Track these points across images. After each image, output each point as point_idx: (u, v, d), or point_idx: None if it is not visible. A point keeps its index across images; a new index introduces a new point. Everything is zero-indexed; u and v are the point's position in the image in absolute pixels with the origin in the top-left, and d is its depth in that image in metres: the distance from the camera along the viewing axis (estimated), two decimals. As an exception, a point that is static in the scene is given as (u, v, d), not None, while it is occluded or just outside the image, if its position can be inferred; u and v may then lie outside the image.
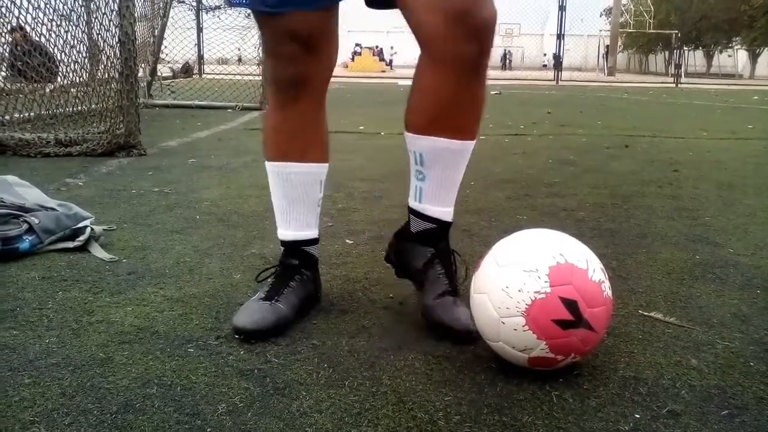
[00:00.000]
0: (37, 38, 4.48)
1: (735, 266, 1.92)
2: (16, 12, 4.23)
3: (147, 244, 2.03)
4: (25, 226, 1.90)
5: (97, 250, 1.93)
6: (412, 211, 1.51)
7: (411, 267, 1.54)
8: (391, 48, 40.90)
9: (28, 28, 4.43)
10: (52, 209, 2.04)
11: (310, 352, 1.32)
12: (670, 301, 1.64)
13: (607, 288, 1.22)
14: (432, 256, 1.49)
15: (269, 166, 1.54)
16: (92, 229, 2.01)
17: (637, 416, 1.10)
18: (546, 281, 1.16)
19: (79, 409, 1.08)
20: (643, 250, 2.08)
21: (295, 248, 1.55)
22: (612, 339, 1.40)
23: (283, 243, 1.56)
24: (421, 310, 1.47)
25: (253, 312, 1.42)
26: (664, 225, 2.43)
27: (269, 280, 1.53)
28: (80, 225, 2.01)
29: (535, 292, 1.16)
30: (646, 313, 1.55)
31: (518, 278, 1.18)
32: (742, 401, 1.15)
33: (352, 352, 1.32)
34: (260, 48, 7.52)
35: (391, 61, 38.89)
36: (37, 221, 1.93)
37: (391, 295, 1.65)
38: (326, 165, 1.56)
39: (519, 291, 1.17)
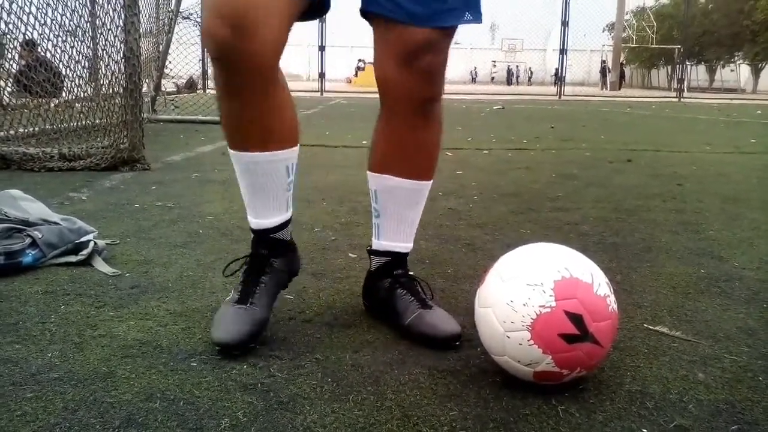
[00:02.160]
0: (42, 54, 4.51)
1: (740, 280, 1.91)
2: (23, 28, 4.26)
3: (150, 258, 2.03)
4: (28, 240, 1.90)
5: (100, 264, 1.92)
6: (371, 251, 1.60)
7: (378, 304, 1.58)
8: None
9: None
10: (56, 223, 2.04)
11: (314, 366, 1.31)
12: (676, 315, 1.63)
13: (612, 302, 1.21)
14: (390, 284, 1.55)
15: (231, 154, 1.44)
16: (95, 243, 2.01)
17: (645, 431, 1.09)
18: (551, 295, 1.15)
19: (82, 423, 1.07)
20: (648, 264, 2.07)
21: (263, 237, 1.49)
22: (618, 353, 1.39)
23: (252, 231, 1.50)
24: (404, 333, 1.47)
25: (229, 323, 1.38)
26: (669, 239, 2.42)
27: (239, 273, 1.49)
28: (83, 239, 2.01)
29: (540, 307, 1.15)
30: (651, 327, 1.54)
31: (523, 292, 1.17)
32: (751, 416, 1.14)
33: (356, 366, 1.31)
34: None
35: None
36: (40, 235, 1.93)
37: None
38: (294, 149, 1.44)
39: (524, 305, 1.16)
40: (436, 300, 1.60)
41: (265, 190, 1.45)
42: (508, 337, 1.18)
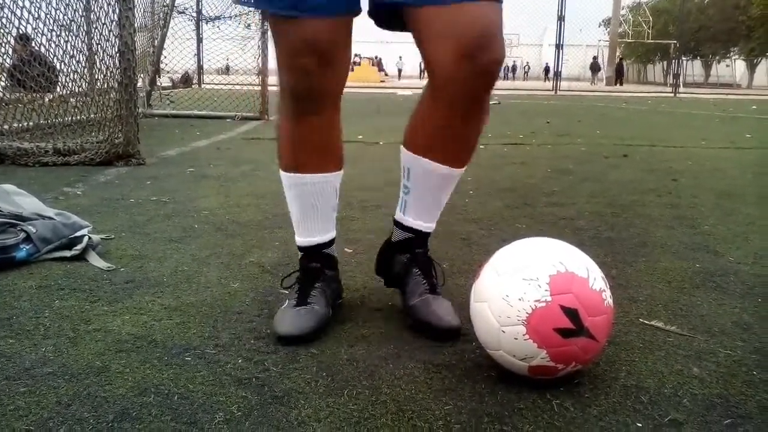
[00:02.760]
0: (36, 48, 4.48)
1: (735, 275, 1.91)
2: (17, 22, 4.24)
3: (145, 253, 2.02)
4: (22, 235, 1.90)
5: (95, 259, 1.92)
6: (395, 222, 1.60)
7: (392, 274, 1.61)
8: (400, 58, 40.65)
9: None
10: (50, 218, 2.03)
11: (309, 360, 1.31)
12: (671, 309, 1.63)
13: (608, 297, 1.21)
14: (408, 260, 1.56)
15: (285, 176, 1.52)
16: (90, 238, 2.00)
17: (639, 425, 1.09)
18: (546, 290, 1.15)
19: (75, 417, 1.07)
20: (643, 259, 2.07)
21: (314, 252, 1.54)
22: (613, 347, 1.39)
23: (302, 249, 1.56)
24: (406, 312, 1.52)
25: (293, 319, 1.42)
26: (664, 234, 2.42)
27: (294, 286, 1.53)
28: (78, 234, 2.00)
29: (536, 301, 1.15)
30: (647, 322, 1.54)
31: (518, 287, 1.17)
32: (745, 410, 1.14)
33: (351, 360, 1.31)
34: (259, 59, 7.54)
35: (400, 71, 38.69)
36: (34, 230, 1.92)
37: (389, 303, 1.64)
38: (341, 173, 1.55)
39: (519, 300, 1.16)
40: (445, 294, 1.60)
41: (319, 210, 1.53)
42: (504, 331, 1.17)
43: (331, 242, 1.57)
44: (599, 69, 39.26)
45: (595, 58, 40.53)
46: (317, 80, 1.37)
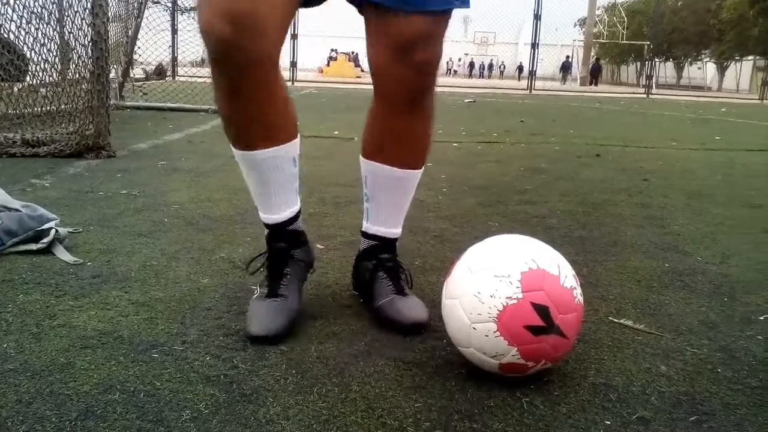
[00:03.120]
0: (5, 35, 4.38)
1: (703, 274, 1.94)
2: (-16, 9, 4.14)
3: (113, 247, 1.99)
4: (-14, 227, 1.85)
5: (62, 253, 1.88)
6: (362, 233, 1.62)
7: (361, 285, 1.61)
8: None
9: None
10: (16, 210, 1.99)
11: (278, 357, 1.29)
12: (640, 308, 1.65)
13: (578, 294, 1.22)
14: (374, 266, 1.56)
15: (236, 153, 1.45)
16: (57, 231, 1.96)
17: (608, 422, 1.10)
18: (518, 287, 1.15)
19: (36, 416, 1.04)
20: (614, 258, 2.09)
21: (279, 231, 1.50)
22: (582, 345, 1.40)
23: (267, 226, 1.51)
24: (374, 314, 1.51)
25: (263, 317, 1.40)
26: (634, 233, 2.44)
27: (261, 270, 1.51)
28: (45, 227, 1.96)
29: (507, 298, 1.15)
30: (616, 320, 1.56)
31: (490, 284, 1.17)
32: (709, 407, 1.16)
33: (321, 358, 1.30)
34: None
35: None
36: (-1, 222, 1.87)
37: (361, 300, 1.63)
38: (296, 141, 1.45)
39: (491, 296, 1.16)
40: (417, 291, 1.60)
41: (276, 185, 1.47)
42: (474, 328, 1.17)
43: (295, 217, 1.51)
44: (570, 68, 39.70)
45: (568, 57, 40.90)
46: (235, 50, 1.23)
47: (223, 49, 1.24)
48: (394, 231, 1.60)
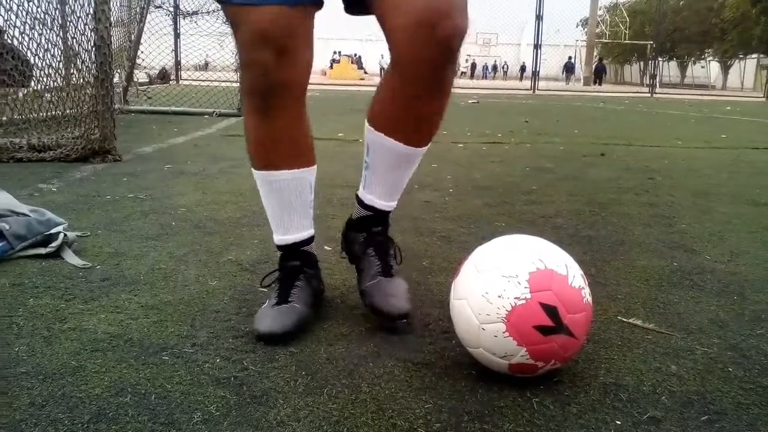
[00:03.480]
0: (9, 41, 4.40)
1: (712, 273, 1.94)
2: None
3: (121, 251, 1.99)
4: (-5, 232, 1.86)
5: (70, 257, 1.88)
6: (356, 198, 1.58)
7: (350, 253, 1.62)
8: (382, 56, 40.04)
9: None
10: (24, 215, 2.00)
11: (288, 359, 1.30)
12: (649, 307, 1.64)
13: (587, 294, 1.22)
14: (365, 240, 1.55)
15: (257, 175, 1.51)
16: (65, 235, 1.97)
17: (618, 423, 1.10)
18: (526, 287, 1.15)
19: (49, 419, 1.05)
20: (621, 257, 2.08)
21: (293, 251, 1.53)
22: (592, 345, 1.39)
23: (281, 248, 1.55)
24: (360, 295, 1.52)
25: (273, 317, 1.41)
26: (641, 232, 2.44)
27: (273, 285, 1.52)
28: (53, 231, 1.97)
29: (515, 298, 1.15)
30: (625, 320, 1.55)
31: (498, 284, 1.17)
32: (721, 407, 1.16)
33: (330, 359, 1.30)
34: (237, 54, 7.47)
35: (382, 69, 37.98)
36: (7, 227, 1.88)
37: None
38: (314, 167, 1.54)
39: (499, 297, 1.16)
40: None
41: (295, 207, 1.52)
42: (483, 329, 1.17)
43: (309, 240, 1.56)
44: (573, 69, 39.69)
45: (570, 58, 40.87)
46: (276, 75, 1.34)
47: (263, 75, 1.34)
48: (389, 204, 1.56)
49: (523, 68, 41.63)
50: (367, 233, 1.56)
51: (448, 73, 1.35)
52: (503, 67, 49.10)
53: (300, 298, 1.47)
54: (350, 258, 1.64)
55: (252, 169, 1.51)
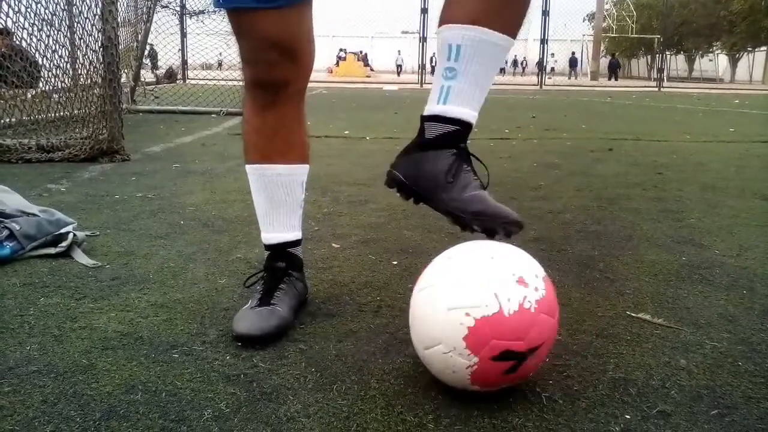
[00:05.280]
0: (18, 43, 4.43)
1: (721, 267, 1.93)
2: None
3: (130, 250, 2.00)
4: (5, 233, 1.87)
5: (80, 256, 1.90)
6: (431, 117, 1.35)
7: (429, 175, 1.34)
8: (399, 52, 39.41)
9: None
10: (34, 215, 2.01)
11: (298, 356, 1.30)
12: (658, 302, 1.64)
13: (530, 301, 1.08)
14: (455, 155, 1.34)
15: (250, 168, 1.51)
16: (75, 234, 1.98)
17: (628, 417, 1.10)
18: (469, 354, 1.06)
19: (62, 416, 1.06)
20: (630, 252, 2.08)
21: (280, 251, 1.53)
22: (601, 340, 1.39)
23: (268, 247, 1.54)
24: (448, 210, 1.32)
25: (253, 318, 1.39)
26: (650, 227, 2.43)
27: (257, 286, 1.51)
28: (62, 231, 1.98)
29: (468, 368, 1.08)
30: (634, 315, 1.55)
31: (445, 363, 1.09)
32: (731, 400, 1.15)
33: (339, 356, 1.31)
34: (240, 52, 7.49)
35: (399, 67, 37.27)
36: (18, 227, 1.90)
37: (378, 298, 1.64)
38: (307, 166, 1.54)
39: (453, 372, 1.10)
40: None
41: (284, 205, 1.51)
42: (467, 389, 1.12)
43: (296, 242, 1.56)
44: (577, 64, 39.63)
45: (573, 53, 40.72)
46: (279, 72, 1.38)
47: (266, 72, 1.38)
48: (475, 115, 1.35)
49: (572, 63, 41.43)
50: (457, 149, 1.35)
51: None
52: (522, 63, 48.65)
53: (283, 301, 1.45)
54: (411, 187, 1.37)
55: (245, 165, 1.52)
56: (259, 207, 1.54)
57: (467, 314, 1.07)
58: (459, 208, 1.31)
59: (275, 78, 1.39)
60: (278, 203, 1.51)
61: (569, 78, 35.62)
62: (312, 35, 1.43)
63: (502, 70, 47.42)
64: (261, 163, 1.49)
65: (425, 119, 1.36)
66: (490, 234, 1.29)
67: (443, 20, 1.31)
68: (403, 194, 1.39)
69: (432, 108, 1.35)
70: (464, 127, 1.34)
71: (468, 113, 1.34)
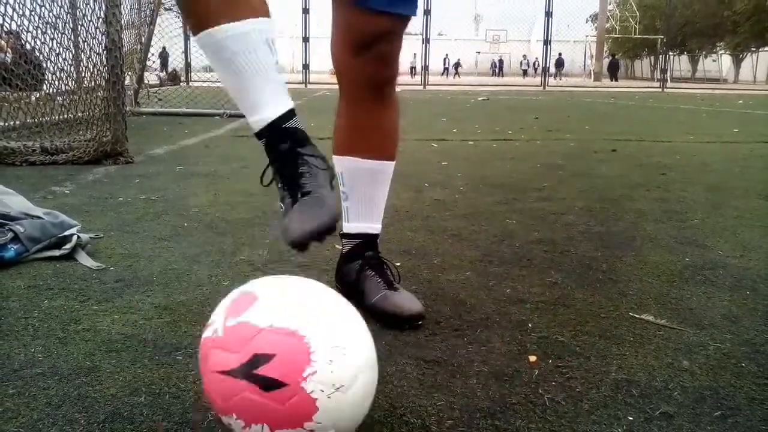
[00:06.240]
0: (20, 46, 4.45)
1: (724, 268, 1.93)
2: (1, 20, 4.19)
3: (134, 252, 2.01)
4: (10, 235, 1.88)
5: (84, 258, 1.90)
6: (342, 235, 1.61)
7: (348, 286, 1.58)
8: (414, 56, 38.59)
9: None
10: (38, 217, 2.02)
11: (301, 358, 1.30)
12: (661, 303, 1.64)
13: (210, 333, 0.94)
14: (360, 266, 1.57)
15: (201, 38, 1.23)
16: (79, 237, 1.99)
17: (631, 418, 1.10)
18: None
19: (66, 419, 1.06)
20: (633, 253, 2.08)
21: (274, 131, 1.26)
22: (604, 342, 1.39)
23: (259, 135, 1.28)
24: (366, 312, 1.34)
25: (299, 219, 1.19)
26: (653, 228, 2.43)
27: (276, 183, 1.29)
28: (67, 233, 1.99)
29: None
30: (637, 316, 1.55)
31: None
32: (734, 402, 1.15)
33: (342, 357, 1.31)
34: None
35: (412, 68, 36.57)
36: (22, 230, 1.90)
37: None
38: (266, 20, 1.24)
39: None
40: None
41: (253, 74, 1.23)
42: None
43: (289, 114, 1.27)
44: (563, 64, 39.95)
45: (560, 54, 40.77)
46: None
47: None
48: (375, 226, 1.60)
49: (558, 63, 41.49)
50: (362, 259, 1.58)
51: (390, 88, 1.51)
52: (534, 64, 48.59)
53: (315, 183, 1.23)
54: (349, 290, 1.54)
55: (193, 38, 1.27)
56: (230, 88, 1.29)
57: None
58: (370, 313, 1.45)
59: None
60: (244, 73, 1.22)
61: (554, 78, 35.60)
62: None
63: (501, 71, 47.49)
64: (206, 29, 1.21)
65: (340, 236, 1.60)
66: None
67: (333, 149, 1.56)
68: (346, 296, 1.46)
69: (342, 227, 1.57)
70: (365, 239, 1.59)
71: (365, 227, 1.58)
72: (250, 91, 1.25)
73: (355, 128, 1.54)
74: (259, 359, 0.86)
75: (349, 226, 1.60)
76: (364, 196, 1.58)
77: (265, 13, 1.25)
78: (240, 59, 1.21)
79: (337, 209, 1.26)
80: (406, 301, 1.49)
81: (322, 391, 0.85)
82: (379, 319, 1.47)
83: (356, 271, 1.57)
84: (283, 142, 1.26)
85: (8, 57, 4.66)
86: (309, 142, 1.29)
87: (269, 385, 0.85)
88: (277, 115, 1.26)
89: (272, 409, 0.85)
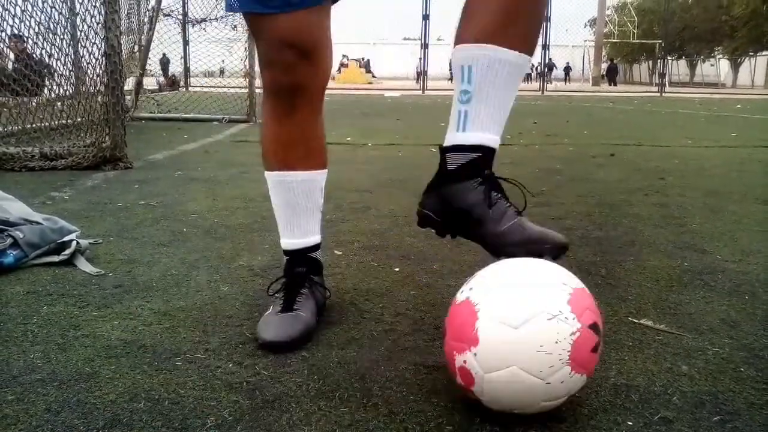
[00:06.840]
0: (25, 50, 4.46)
1: (723, 272, 1.93)
2: (4, 25, 4.20)
3: (133, 258, 2.01)
4: (9, 241, 1.88)
5: (83, 264, 1.90)
6: (450, 148, 1.30)
7: (460, 211, 1.31)
8: (420, 60, 38.28)
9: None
10: (37, 223, 2.02)
11: (300, 364, 1.30)
12: (660, 308, 1.64)
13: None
14: (481, 184, 1.30)
15: (270, 176, 1.51)
16: (78, 242, 1.99)
17: (630, 423, 1.10)
18: (574, 318, 1.04)
19: (65, 425, 1.06)
20: (632, 258, 2.08)
21: (300, 256, 1.53)
22: (603, 347, 1.39)
23: (288, 252, 1.54)
24: (487, 241, 1.30)
25: (277, 325, 1.39)
26: (652, 232, 2.43)
27: (278, 294, 1.49)
28: (66, 239, 1.99)
29: (571, 335, 1.03)
30: (636, 321, 1.55)
31: (548, 329, 1.03)
32: (733, 407, 1.15)
33: (342, 363, 1.31)
34: (246, 60, 7.53)
35: (419, 72, 36.19)
36: (21, 235, 1.90)
37: (380, 305, 1.64)
38: (325, 171, 1.55)
39: (556, 343, 1.03)
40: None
41: (305, 211, 1.51)
42: (549, 383, 1.04)
43: (316, 246, 1.56)
44: (553, 68, 40.24)
45: (550, 59, 40.93)
46: (298, 75, 1.38)
47: (285, 74, 1.37)
48: (497, 139, 1.31)
49: (567, 69, 41.51)
50: (482, 177, 1.30)
51: None
52: (536, 68, 48.32)
53: (305, 306, 1.46)
54: (447, 223, 1.35)
55: (265, 172, 1.52)
56: (278, 213, 1.54)
57: (564, 284, 1.09)
58: (498, 243, 1.28)
59: (293, 81, 1.38)
60: (298, 209, 1.51)
61: (565, 83, 35.72)
62: (330, 38, 1.42)
63: (528, 76, 47.39)
64: (281, 170, 1.49)
65: (446, 150, 1.31)
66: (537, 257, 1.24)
67: (456, 40, 1.28)
68: (438, 232, 1.38)
69: (451, 138, 1.30)
70: (486, 153, 1.29)
71: (489, 138, 1.29)
72: (294, 220, 1.52)
73: (505, 10, 1.23)
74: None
75: (466, 136, 1.28)
76: (494, 97, 1.27)
77: (325, 165, 1.54)
78: (300, 199, 1.50)
79: (310, 326, 1.43)
80: (547, 229, 1.32)
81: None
82: (514, 249, 1.27)
83: (476, 191, 1.29)
84: (302, 267, 1.51)
85: (10, 63, 4.66)
86: (321, 273, 1.56)
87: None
88: (307, 246, 1.53)
89: None
